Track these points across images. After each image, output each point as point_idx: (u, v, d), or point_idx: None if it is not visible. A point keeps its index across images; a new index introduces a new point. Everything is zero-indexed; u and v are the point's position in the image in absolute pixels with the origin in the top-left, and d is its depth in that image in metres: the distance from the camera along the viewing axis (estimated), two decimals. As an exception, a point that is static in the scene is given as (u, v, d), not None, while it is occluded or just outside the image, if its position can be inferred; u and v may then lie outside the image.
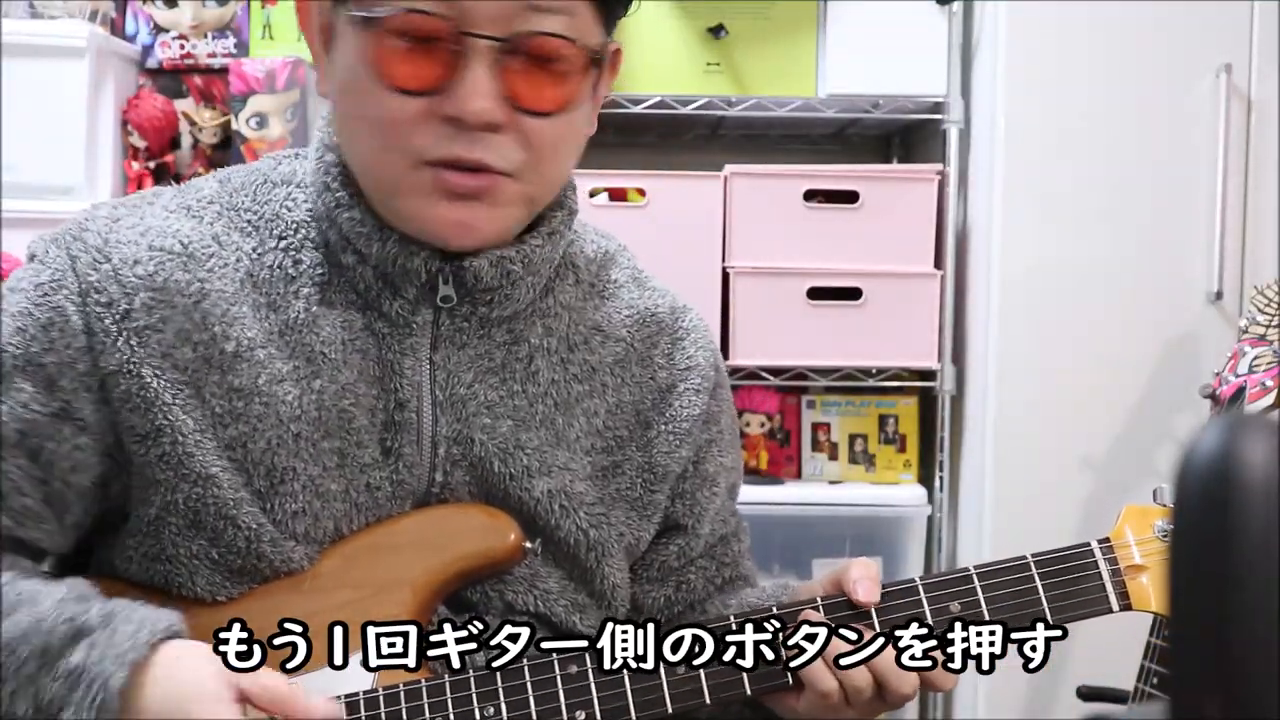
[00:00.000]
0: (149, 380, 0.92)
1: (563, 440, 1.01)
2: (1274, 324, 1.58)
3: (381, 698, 0.93)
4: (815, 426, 2.37)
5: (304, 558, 0.95)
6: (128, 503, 0.96)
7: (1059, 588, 0.96)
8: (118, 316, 0.93)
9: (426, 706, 0.92)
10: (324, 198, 0.98)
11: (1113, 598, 0.96)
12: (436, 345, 0.98)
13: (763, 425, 2.36)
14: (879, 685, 0.93)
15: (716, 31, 2.25)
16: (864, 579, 0.96)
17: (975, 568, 0.97)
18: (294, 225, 0.98)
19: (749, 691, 0.94)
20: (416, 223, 0.94)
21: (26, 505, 0.93)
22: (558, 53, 0.90)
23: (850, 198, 2.25)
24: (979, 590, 0.96)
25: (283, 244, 0.98)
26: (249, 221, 0.99)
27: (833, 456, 2.36)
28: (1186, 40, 2.10)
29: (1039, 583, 0.96)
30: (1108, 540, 0.98)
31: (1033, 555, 0.97)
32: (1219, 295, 2.10)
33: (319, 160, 0.99)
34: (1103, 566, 0.97)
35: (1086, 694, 1.79)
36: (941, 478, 2.29)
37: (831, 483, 2.34)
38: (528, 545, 0.98)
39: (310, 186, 1.00)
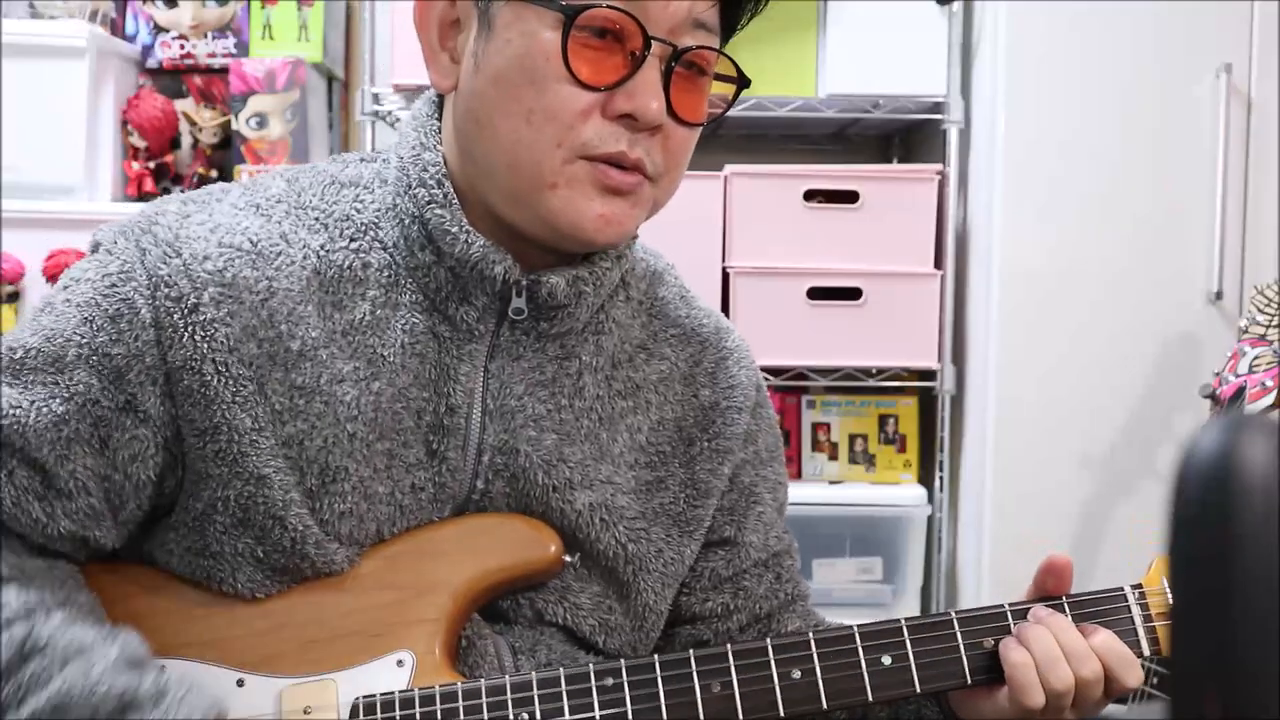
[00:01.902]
0: (209, 377, 0.92)
1: (606, 455, 1.01)
2: (1274, 324, 1.58)
3: (417, 698, 0.93)
4: (815, 426, 2.37)
5: (345, 560, 0.96)
6: (178, 497, 0.96)
7: None
8: (186, 310, 0.93)
9: (461, 709, 0.92)
10: (412, 194, 0.98)
11: (1144, 641, 0.97)
12: (493, 355, 0.99)
13: (763, 425, 2.36)
14: (1107, 676, 0.94)
15: (716, 31, 2.25)
16: (1059, 562, 0.98)
17: (1010, 605, 0.97)
18: (363, 226, 0.99)
19: (782, 714, 0.94)
20: (565, 216, 0.94)
21: (92, 505, 0.93)
22: (709, 67, 0.96)
23: (850, 198, 2.25)
24: (1013, 628, 0.96)
25: (353, 245, 0.98)
26: (316, 219, 0.99)
27: (833, 456, 2.36)
28: (1186, 40, 2.11)
29: (1073, 623, 0.96)
30: (1140, 586, 0.99)
31: (1067, 597, 0.98)
32: (1219, 295, 2.10)
33: (414, 159, 0.98)
34: (1135, 611, 0.98)
35: (1086, 694, 1.78)
36: (941, 478, 2.29)
37: (831, 483, 2.34)
38: (568, 558, 0.99)
39: (389, 184, 1.00)
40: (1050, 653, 0.93)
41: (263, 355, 0.93)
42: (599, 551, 1.01)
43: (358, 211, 0.99)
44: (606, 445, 1.02)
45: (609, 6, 0.90)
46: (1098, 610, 0.98)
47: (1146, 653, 0.97)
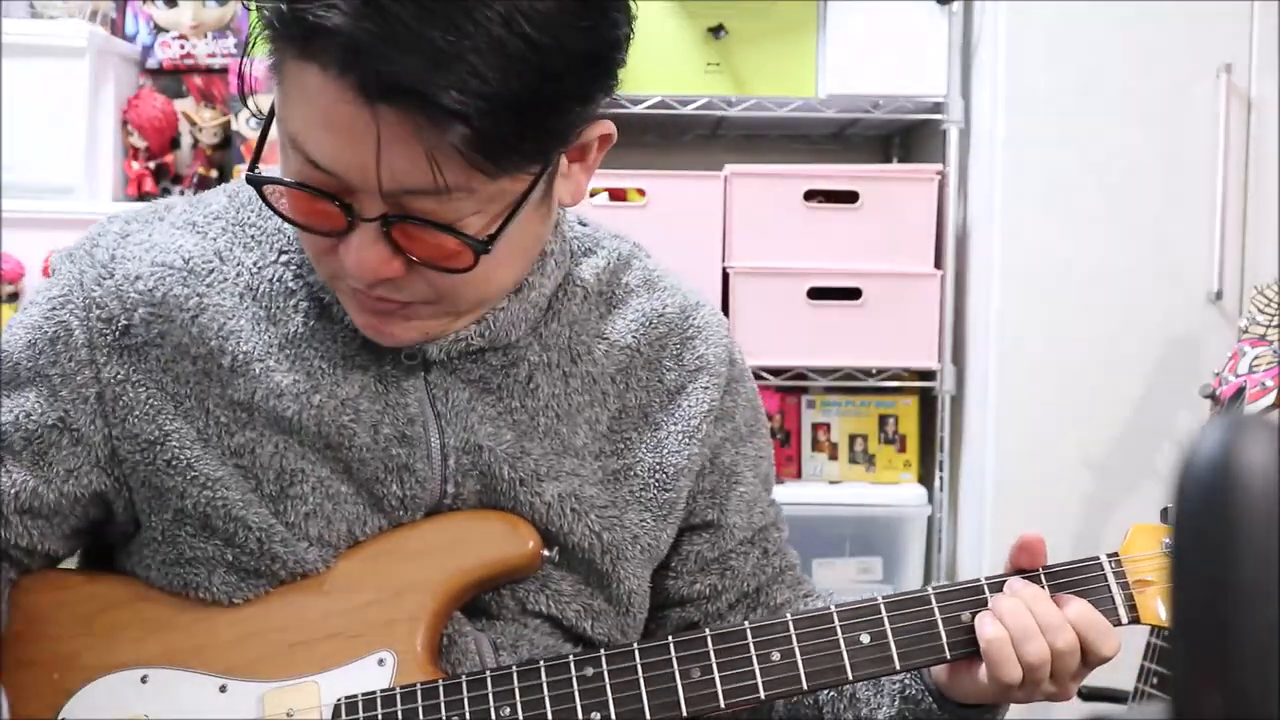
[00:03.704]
0: (153, 389, 0.95)
1: (569, 448, 1.01)
2: (1274, 324, 1.58)
3: (399, 695, 0.93)
4: (815, 426, 2.37)
5: (318, 559, 0.96)
6: (136, 515, 0.98)
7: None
8: (117, 332, 0.95)
9: (443, 705, 0.93)
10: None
11: (1121, 610, 0.97)
12: (429, 368, 0.98)
13: (763, 425, 2.36)
14: (1083, 649, 0.94)
15: (716, 31, 2.25)
16: (1031, 539, 0.98)
17: (987, 578, 0.98)
18: (295, 240, 0.98)
19: (763, 696, 0.94)
20: (349, 315, 0.94)
21: (6, 518, 0.96)
22: (452, 219, 0.84)
23: (850, 198, 2.25)
24: (990, 601, 0.96)
25: (283, 258, 0.98)
26: (252, 236, 0.99)
27: (833, 456, 2.36)
28: (1186, 40, 2.11)
29: (1049, 594, 0.97)
30: (1116, 555, 0.99)
31: (1044, 568, 0.98)
32: (1219, 295, 2.10)
33: None
34: (1111, 579, 0.98)
35: (1086, 694, 1.79)
36: (941, 478, 2.29)
37: (831, 483, 2.34)
38: (545, 553, 0.99)
39: None
40: (1024, 625, 0.93)
41: (198, 372, 0.95)
42: (574, 543, 1.00)
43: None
44: (568, 439, 1.01)
45: (296, 185, 0.84)
46: (1073, 580, 0.98)
47: (1124, 621, 0.97)
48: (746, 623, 0.96)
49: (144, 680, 0.95)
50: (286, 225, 0.98)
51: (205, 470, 0.94)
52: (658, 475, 1.04)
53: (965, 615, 0.96)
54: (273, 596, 0.96)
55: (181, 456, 0.94)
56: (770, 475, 1.14)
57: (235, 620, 0.96)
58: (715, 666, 0.94)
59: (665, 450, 1.04)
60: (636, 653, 0.95)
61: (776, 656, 0.95)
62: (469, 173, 0.81)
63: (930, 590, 0.97)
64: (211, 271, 0.97)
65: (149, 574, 0.98)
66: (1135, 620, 0.97)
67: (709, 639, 0.95)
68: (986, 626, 0.94)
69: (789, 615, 0.96)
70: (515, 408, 1.00)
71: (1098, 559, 0.99)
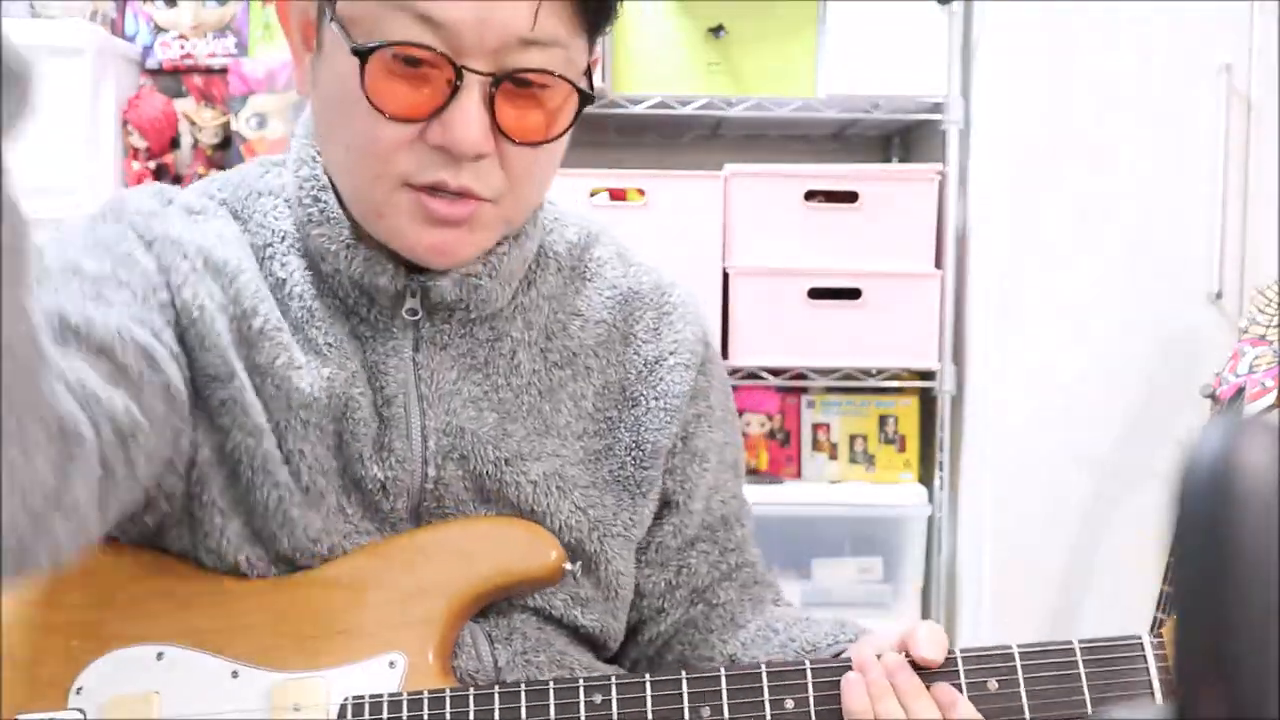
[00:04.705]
0: (219, 324, 0.94)
1: (551, 428, 1.02)
2: (1274, 324, 1.58)
3: (405, 702, 0.93)
4: (815, 426, 2.37)
5: (321, 533, 0.96)
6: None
7: (1103, 678, 0.92)
8: (179, 259, 0.94)
9: (449, 716, 0.92)
10: (300, 211, 0.99)
11: (1158, 696, 0.91)
12: (419, 346, 0.99)
13: (763, 425, 2.36)
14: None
15: (716, 31, 2.25)
16: (930, 641, 0.92)
17: (1019, 646, 0.93)
18: (279, 235, 1.00)
19: None
20: (396, 243, 0.95)
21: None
22: (548, 87, 0.91)
23: (850, 198, 2.25)
24: (1019, 670, 0.92)
25: (269, 251, 0.99)
26: (247, 235, 1.01)
27: (833, 456, 2.37)
28: (1186, 40, 2.11)
29: (1082, 669, 0.92)
30: (1160, 635, 0.93)
31: (1080, 641, 0.93)
32: (1219, 295, 2.10)
33: (295, 174, 1.00)
34: (1151, 662, 0.92)
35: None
36: (941, 478, 2.29)
37: (831, 483, 2.34)
38: (567, 566, 0.98)
39: (292, 198, 1.01)
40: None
41: (232, 331, 0.95)
42: (561, 523, 1.00)
43: (274, 220, 1.01)
44: (550, 418, 1.01)
45: (405, 43, 0.87)
46: (1111, 657, 0.93)
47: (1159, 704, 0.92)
48: (763, 664, 0.94)
49: (159, 657, 0.95)
50: (270, 221, 1.00)
51: (256, 417, 0.94)
52: (635, 453, 1.04)
53: (992, 683, 0.92)
54: (292, 586, 0.96)
55: (240, 399, 0.94)
56: (739, 464, 1.13)
57: (255, 606, 0.96)
58: (726, 708, 0.93)
59: (643, 428, 1.05)
60: (648, 685, 0.94)
61: (790, 704, 0.93)
62: (570, 25, 0.89)
63: (959, 653, 0.94)
64: (242, 249, 0.98)
65: (164, 539, 0.96)
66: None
67: (723, 678, 0.94)
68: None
69: (808, 663, 0.94)
70: (500, 386, 1.01)
71: (1139, 638, 0.93)
